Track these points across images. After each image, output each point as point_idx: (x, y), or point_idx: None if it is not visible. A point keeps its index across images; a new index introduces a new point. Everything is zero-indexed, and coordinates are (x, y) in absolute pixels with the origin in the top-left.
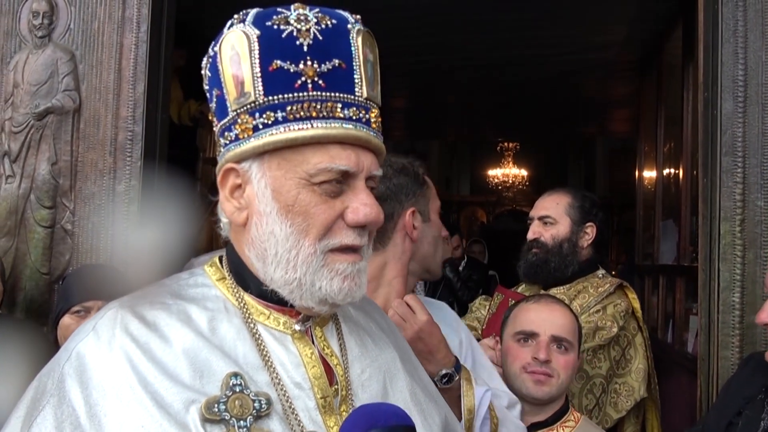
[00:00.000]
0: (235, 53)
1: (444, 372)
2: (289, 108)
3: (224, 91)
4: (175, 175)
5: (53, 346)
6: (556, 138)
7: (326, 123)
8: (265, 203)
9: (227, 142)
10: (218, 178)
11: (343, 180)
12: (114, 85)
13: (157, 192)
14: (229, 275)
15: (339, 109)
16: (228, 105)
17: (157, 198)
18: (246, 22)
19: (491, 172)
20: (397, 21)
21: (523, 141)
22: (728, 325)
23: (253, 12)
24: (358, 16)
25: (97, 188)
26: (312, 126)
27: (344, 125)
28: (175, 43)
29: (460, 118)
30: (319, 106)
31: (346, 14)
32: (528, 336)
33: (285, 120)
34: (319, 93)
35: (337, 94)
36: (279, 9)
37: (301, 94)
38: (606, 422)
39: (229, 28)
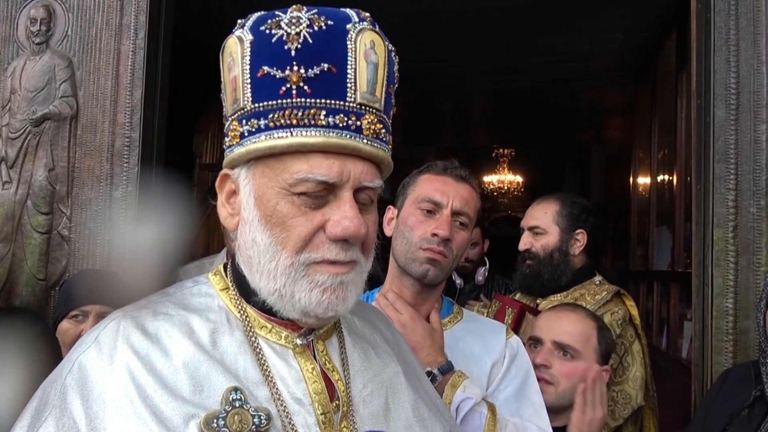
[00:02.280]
0: (232, 59)
1: (427, 370)
2: (271, 115)
3: (224, 96)
4: (172, 181)
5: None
6: (552, 145)
7: (306, 131)
8: (249, 210)
9: (225, 147)
10: (217, 183)
11: (327, 191)
12: (111, 92)
13: (154, 198)
14: (232, 285)
15: (322, 116)
16: (226, 110)
17: (154, 204)
18: (245, 27)
19: (487, 179)
20: (393, 28)
21: (519, 147)
22: (722, 331)
23: (254, 16)
24: (367, 14)
25: (94, 194)
26: (291, 134)
27: (326, 133)
28: (180, 52)
29: (456, 125)
30: (300, 114)
31: (352, 13)
32: (535, 342)
33: (267, 128)
34: (303, 99)
35: (322, 101)
36: (277, 12)
37: (284, 101)
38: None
39: (232, 33)
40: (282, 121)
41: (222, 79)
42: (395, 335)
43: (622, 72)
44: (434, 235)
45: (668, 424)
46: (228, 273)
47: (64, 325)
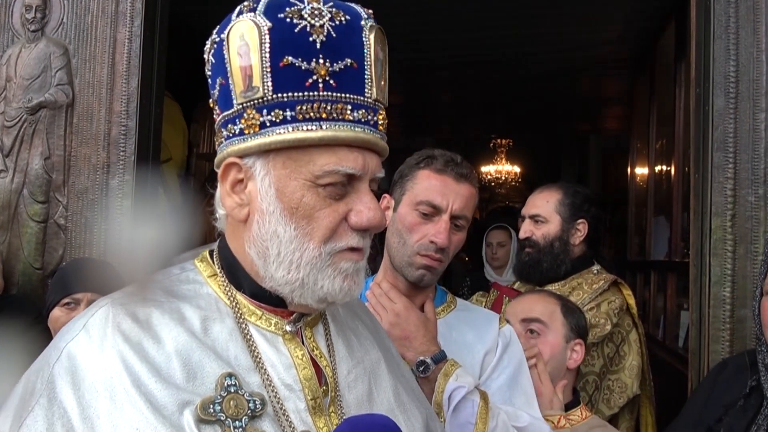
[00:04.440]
0: (245, 44)
1: (420, 359)
2: (298, 107)
3: (230, 81)
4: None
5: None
6: (550, 135)
7: (336, 125)
8: (269, 202)
9: (230, 134)
10: (219, 171)
11: (348, 182)
12: (107, 80)
13: (150, 187)
14: (220, 272)
15: (349, 111)
16: (233, 97)
17: (150, 193)
18: (257, 12)
19: (484, 169)
20: (391, 18)
21: (517, 138)
22: (719, 320)
23: (265, 1)
24: (370, 11)
25: (91, 183)
26: (321, 128)
27: (354, 128)
28: (176, 42)
29: (453, 115)
30: (329, 107)
31: (359, 9)
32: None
33: (294, 119)
34: (329, 93)
35: (347, 95)
36: (292, 0)
37: (311, 93)
38: None
39: (237, 15)
40: (311, 113)
41: (227, 65)
42: (374, 322)
43: (620, 62)
44: (432, 242)
45: (664, 414)
46: (215, 259)
47: (56, 312)
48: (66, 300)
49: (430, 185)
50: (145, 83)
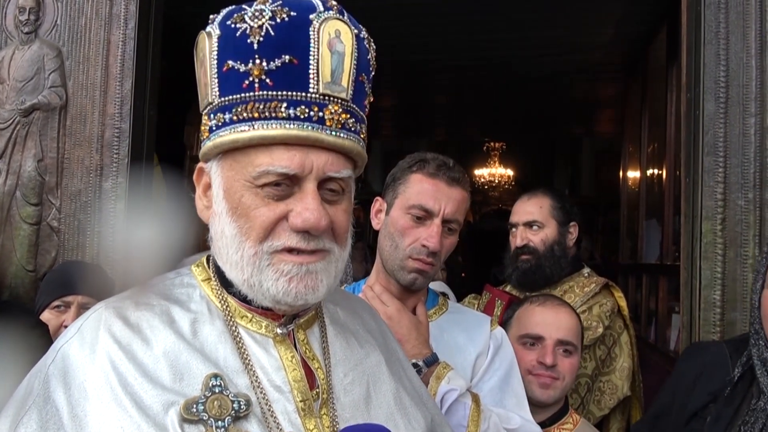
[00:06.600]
0: (203, 55)
1: (412, 362)
2: (234, 109)
3: (199, 92)
4: (163, 173)
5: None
6: (543, 138)
7: (267, 123)
8: (218, 203)
9: (201, 141)
10: (194, 176)
11: (291, 183)
12: (101, 82)
13: (143, 190)
14: (213, 276)
15: (283, 109)
16: (201, 106)
17: (143, 195)
18: (215, 23)
19: (477, 172)
20: (385, 20)
21: (510, 141)
22: (709, 323)
23: (224, 11)
24: (334, 3)
25: (84, 185)
26: (253, 127)
27: (286, 125)
28: (171, 44)
29: (447, 118)
30: (261, 107)
31: (318, 2)
32: (534, 339)
33: (231, 122)
34: (265, 92)
35: (283, 93)
36: (244, 6)
37: (247, 94)
38: (588, 420)
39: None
40: (244, 114)
41: (196, 75)
42: (380, 325)
43: (613, 66)
44: (424, 245)
45: None
46: (210, 264)
47: (46, 315)
48: (56, 303)
49: (422, 189)
50: (139, 86)
